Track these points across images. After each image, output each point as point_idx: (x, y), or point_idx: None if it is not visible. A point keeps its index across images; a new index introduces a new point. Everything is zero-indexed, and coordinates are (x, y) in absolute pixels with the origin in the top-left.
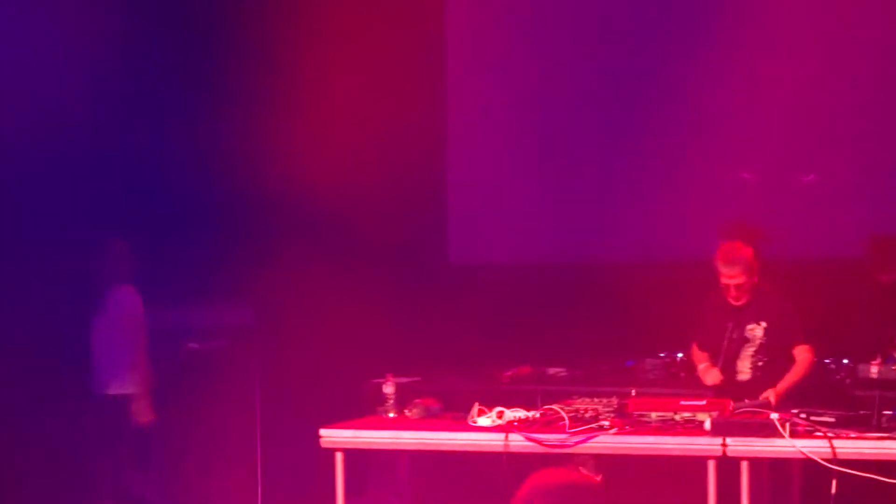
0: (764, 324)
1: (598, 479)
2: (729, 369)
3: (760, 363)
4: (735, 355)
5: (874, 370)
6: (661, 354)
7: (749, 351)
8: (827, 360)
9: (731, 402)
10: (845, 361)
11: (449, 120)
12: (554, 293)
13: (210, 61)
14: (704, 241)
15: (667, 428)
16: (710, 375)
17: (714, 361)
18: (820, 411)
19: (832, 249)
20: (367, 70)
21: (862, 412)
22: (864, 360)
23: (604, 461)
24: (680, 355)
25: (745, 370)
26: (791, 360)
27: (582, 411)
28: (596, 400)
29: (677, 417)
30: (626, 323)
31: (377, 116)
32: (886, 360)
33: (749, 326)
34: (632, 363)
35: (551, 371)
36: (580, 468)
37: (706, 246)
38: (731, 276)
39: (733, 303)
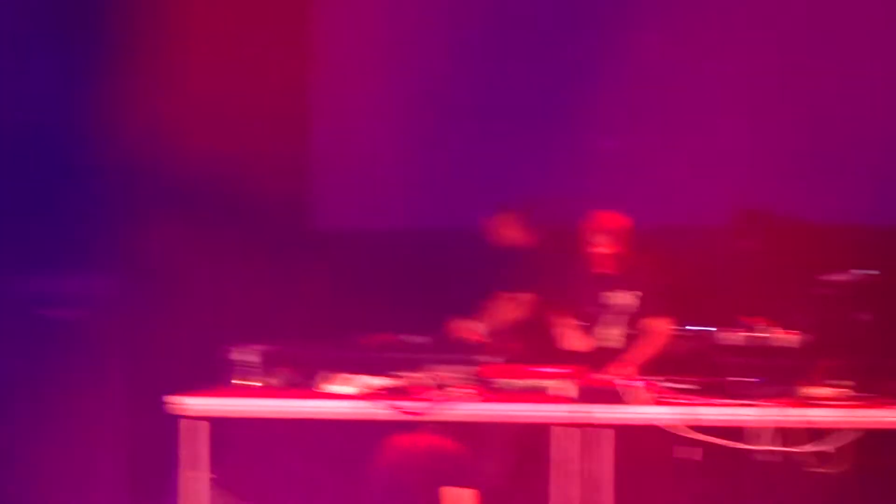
0: (634, 293)
1: (459, 447)
2: (597, 336)
3: (629, 332)
4: (604, 322)
5: (734, 337)
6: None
7: (618, 319)
8: (688, 327)
9: (592, 370)
10: (705, 328)
11: (312, 87)
12: (418, 259)
13: (70, 25)
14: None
15: (527, 395)
16: (574, 341)
17: (579, 327)
18: (680, 379)
19: (693, 218)
20: (231, 34)
21: (721, 379)
22: (723, 328)
23: (463, 429)
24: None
25: (612, 339)
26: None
27: (442, 378)
28: (456, 367)
29: (538, 385)
30: (487, 290)
31: (242, 82)
32: (746, 327)
33: (619, 294)
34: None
35: (412, 339)
36: (440, 436)
37: (567, 212)
38: (603, 245)
39: (598, 270)
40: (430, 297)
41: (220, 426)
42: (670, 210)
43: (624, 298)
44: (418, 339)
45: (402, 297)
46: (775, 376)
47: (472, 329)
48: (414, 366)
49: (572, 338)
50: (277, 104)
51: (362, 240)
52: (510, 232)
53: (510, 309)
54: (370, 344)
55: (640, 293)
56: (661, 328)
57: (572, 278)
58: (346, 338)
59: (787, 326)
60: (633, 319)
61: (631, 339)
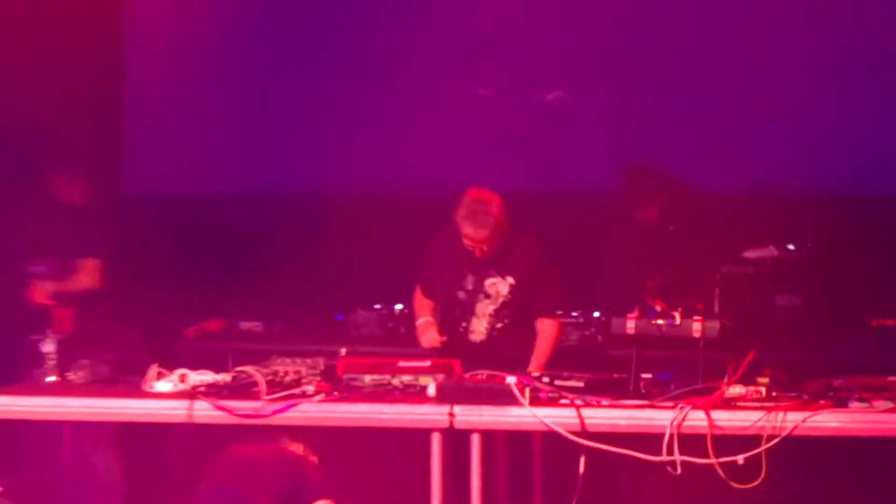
0: (510, 279)
1: (307, 454)
2: (460, 327)
3: (500, 324)
4: (470, 311)
5: (630, 325)
6: (377, 306)
7: (488, 308)
8: (575, 314)
9: (459, 364)
10: (596, 315)
11: (127, 47)
12: (247, 230)
13: None
14: (438, 171)
15: (383, 394)
16: (428, 335)
17: (437, 315)
18: (567, 374)
19: (581, 182)
20: None
21: (616, 375)
22: (618, 314)
23: (311, 434)
24: (400, 307)
25: (479, 330)
26: (531, 324)
27: (282, 374)
28: (298, 361)
29: (396, 382)
30: (336, 267)
31: (52, 40)
32: (645, 313)
33: (491, 280)
34: (342, 317)
35: (244, 326)
36: (284, 442)
37: (440, 176)
38: (478, 241)
39: (477, 256)
40: (266, 277)
41: (8, 429)
42: (551, 174)
43: (502, 286)
44: (255, 326)
45: (234, 275)
46: (683, 372)
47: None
48: (252, 359)
49: (428, 331)
50: (89, 68)
51: (178, 208)
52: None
53: None
54: (195, 332)
55: (524, 282)
56: (552, 329)
57: (439, 253)
58: (167, 325)
59: (695, 312)
60: (513, 311)
61: (506, 333)
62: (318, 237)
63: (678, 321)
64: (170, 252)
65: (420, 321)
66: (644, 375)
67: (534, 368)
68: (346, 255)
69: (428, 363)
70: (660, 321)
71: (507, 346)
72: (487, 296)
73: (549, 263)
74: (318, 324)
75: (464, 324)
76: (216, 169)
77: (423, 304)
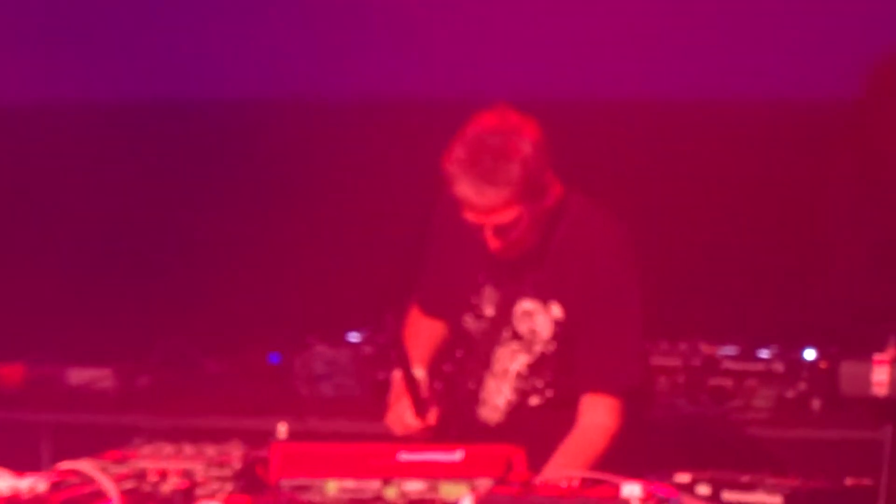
0: (558, 308)
1: None
2: (463, 390)
3: (535, 397)
4: (484, 359)
5: (882, 376)
6: (352, 335)
7: (516, 362)
8: (725, 350)
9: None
10: (810, 356)
11: None
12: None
13: None
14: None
15: None
16: (400, 408)
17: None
18: (745, 479)
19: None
20: None
21: (852, 481)
22: (852, 353)
23: None
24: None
25: (495, 402)
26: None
27: (153, 479)
28: (189, 450)
29: (390, 494)
30: (270, 260)
31: None
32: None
33: (525, 305)
34: (278, 358)
35: (77, 376)
36: None
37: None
38: (488, 216)
39: (496, 255)
40: (115, 262)
41: None
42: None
43: (541, 318)
44: (101, 376)
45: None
46: None
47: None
48: (94, 443)
49: (399, 406)
50: None
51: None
52: None
53: None
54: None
55: (568, 304)
56: (603, 423)
57: (444, 242)
58: None
59: None
60: (554, 369)
61: (540, 411)
62: (229, 197)
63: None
64: None
65: (395, 374)
66: None
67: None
68: (289, 234)
69: (458, 454)
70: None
71: (546, 441)
72: (516, 335)
73: (636, 273)
74: (230, 373)
75: (471, 385)
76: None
77: (418, 332)
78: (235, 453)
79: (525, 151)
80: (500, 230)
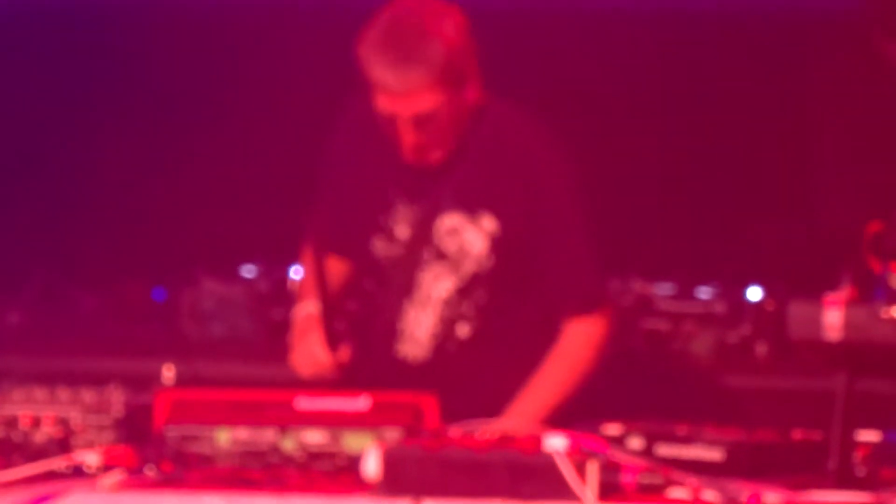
0: (490, 220)
1: None
2: (380, 325)
3: (463, 326)
4: (402, 288)
5: (835, 318)
6: (247, 269)
7: (440, 287)
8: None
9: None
10: (755, 295)
11: None
12: None
13: None
14: None
15: (258, 476)
16: (307, 346)
17: (336, 300)
18: (681, 430)
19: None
20: None
21: (797, 434)
22: (803, 293)
23: None
24: (297, 270)
25: (418, 335)
26: (531, 314)
27: (24, 426)
28: (65, 394)
29: (288, 444)
30: (150, 175)
31: None
32: (867, 292)
33: (448, 220)
34: (163, 294)
35: None
36: None
37: None
38: (405, 94)
39: (411, 159)
40: None
41: None
42: None
43: (472, 233)
44: None
45: None
46: None
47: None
48: None
49: (309, 339)
50: None
51: None
52: None
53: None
54: None
55: (502, 215)
56: (590, 333)
57: (345, 160)
58: None
59: None
60: (486, 288)
61: (471, 343)
62: (109, 115)
63: None
64: None
65: (297, 311)
66: (863, 436)
67: (545, 403)
68: (176, 155)
69: (363, 401)
70: None
71: (478, 378)
72: (441, 255)
73: (574, 181)
74: (109, 309)
75: (387, 317)
76: None
77: (313, 268)
78: (115, 399)
79: (447, 32)
80: (418, 121)
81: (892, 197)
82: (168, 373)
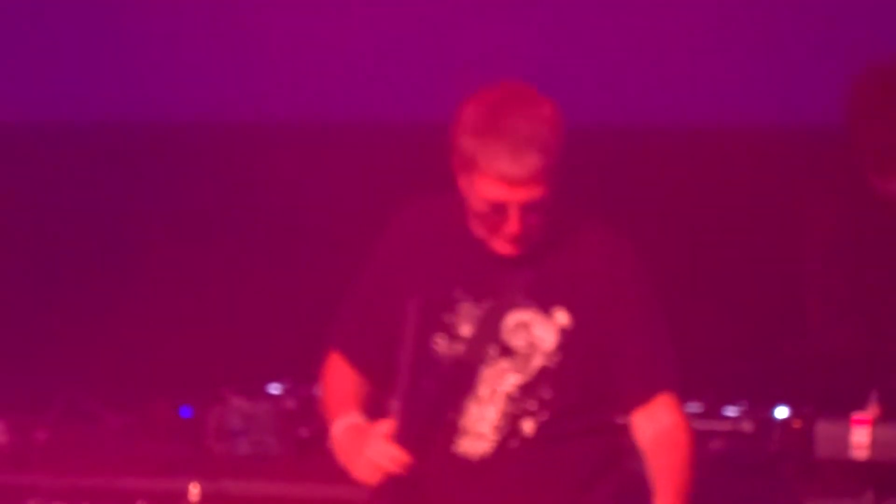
0: (564, 314)
1: None
2: (443, 421)
3: (527, 424)
4: (463, 388)
5: (862, 437)
6: (272, 387)
7: (506, 383)
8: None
9: None
10: (783, 415)
11: None
12: None
13: None
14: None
15: None
16: (374, 449)
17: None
18: None
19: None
20: None
21: None
22: (831, 412)
23: None
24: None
25: (481, 430)
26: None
27: None
28: None
29: None
30: (179, 300)
31: None
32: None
33: (518, 316)
34: (190, 412)
35: None
36: None
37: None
38: (522, 183)
39: (507, 250)
40: None
41: None
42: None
43: (542, 330)
44: None
45: None
46: None
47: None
48: None
49: (374, 445)
50: None
51: None
52: None
53: None
54: None
55: (577, 312)
56: (676, 429)
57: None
58: None
59: None
60: (554, 387)
61: (537, 444)
62: (133, 231)
63: None
64: None
65: (340, 424)
66: None
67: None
68: (203, 273)
69: None
70: None
71: (542, 475)
72: (508, 352)
73: (649, 281)
74: (136, 427)
75: (448, 415)
76: None
77: (340, 384)
78: None
79: (554, 117)
80: (526, 210)
81: None
82: (194, 490)
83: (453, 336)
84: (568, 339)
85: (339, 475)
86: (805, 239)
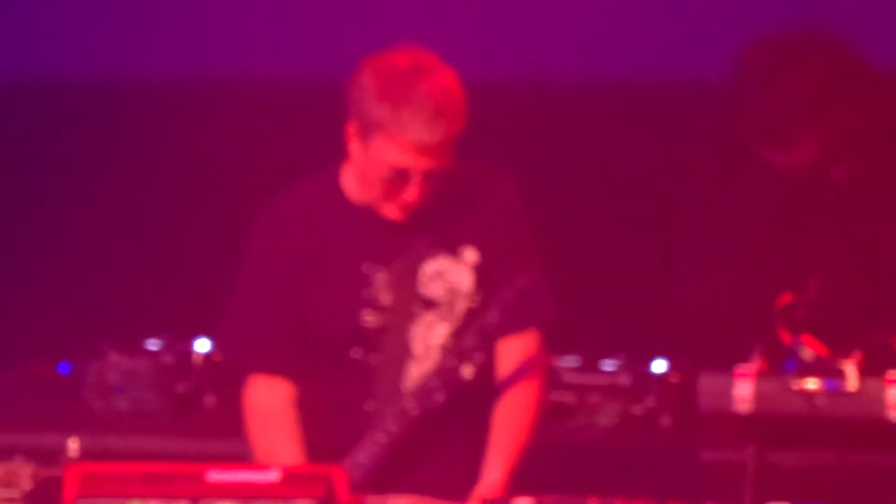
0: (473, 252)
1: None
2: (393, 387)
3: (472, 358)
4: (400, 349)
5: (746, 389)
6: (151, 342)
7: (437, 331)
8: (613, 363)
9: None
10: (662, 367)
11: None
12: None
13: None
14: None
15: None
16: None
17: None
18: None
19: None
20: None
21: None
22: (715, 365)
23: None
24: (204, 343)
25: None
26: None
27: None
28: None
29: None
30: (61, 253)
31: None
32: (778, 365)
33: (431, 266)
34: (68, 367)
35: None
36: None
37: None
38: (433, 152)
39: (398, 216)
40: None
41: None
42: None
43: (448, 273)
44: None
45: None
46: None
47: None
48: None
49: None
50: None
51: None
52: None
53: None
54: None
55: (483, 248)
56: (535, 363)
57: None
58: None
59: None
60: (482, 304)
61: (479, 349)
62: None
63: (853, 381)
64: None
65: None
66: None
67: (510, 458)
68: (79, 226)
69: (274, 473)
70: (811, 382)
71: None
72: (430, 304)
73: (532, 229)
74: (13, 383)
75: (395, 385)
76: None
77: (276, 431)
78: (23, 472)
79: (460, 87)
80: (428, 177)
81: (803, 270)
82: (73, 445)
83: (378, 308)
84: (482, 276)
85: (216, 430)
86: (681, 191)
